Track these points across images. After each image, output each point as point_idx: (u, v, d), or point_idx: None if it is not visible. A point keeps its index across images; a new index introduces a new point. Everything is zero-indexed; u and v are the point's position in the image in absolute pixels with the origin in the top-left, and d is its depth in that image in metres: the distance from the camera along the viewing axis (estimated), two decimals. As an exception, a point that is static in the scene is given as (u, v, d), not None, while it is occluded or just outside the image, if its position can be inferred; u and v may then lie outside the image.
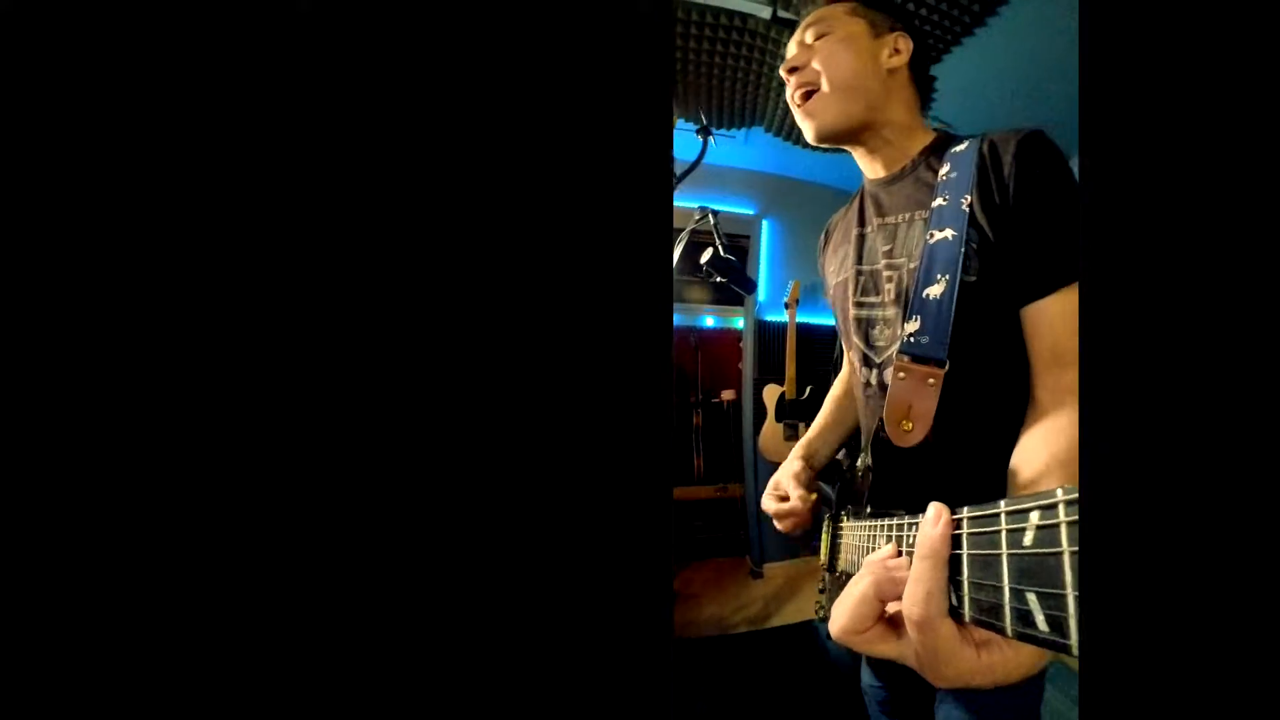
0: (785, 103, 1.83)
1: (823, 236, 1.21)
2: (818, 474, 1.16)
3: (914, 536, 0.44)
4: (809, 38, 0.94)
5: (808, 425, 2.42)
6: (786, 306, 3.50)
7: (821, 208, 2.77)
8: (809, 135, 0.94)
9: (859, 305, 0.96)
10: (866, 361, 0.95)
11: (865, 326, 0.95)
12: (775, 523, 1.08)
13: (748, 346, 3.84)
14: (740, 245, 3.79)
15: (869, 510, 0.78)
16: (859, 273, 0.97)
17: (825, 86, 0.90)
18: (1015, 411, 0.74)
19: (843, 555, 0.87)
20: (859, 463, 0.89)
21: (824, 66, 0.91)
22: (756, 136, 3.00)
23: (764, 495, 1.12)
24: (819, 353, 3.47)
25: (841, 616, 0.49)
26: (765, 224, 3.91)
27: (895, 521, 0.54)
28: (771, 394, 3.45)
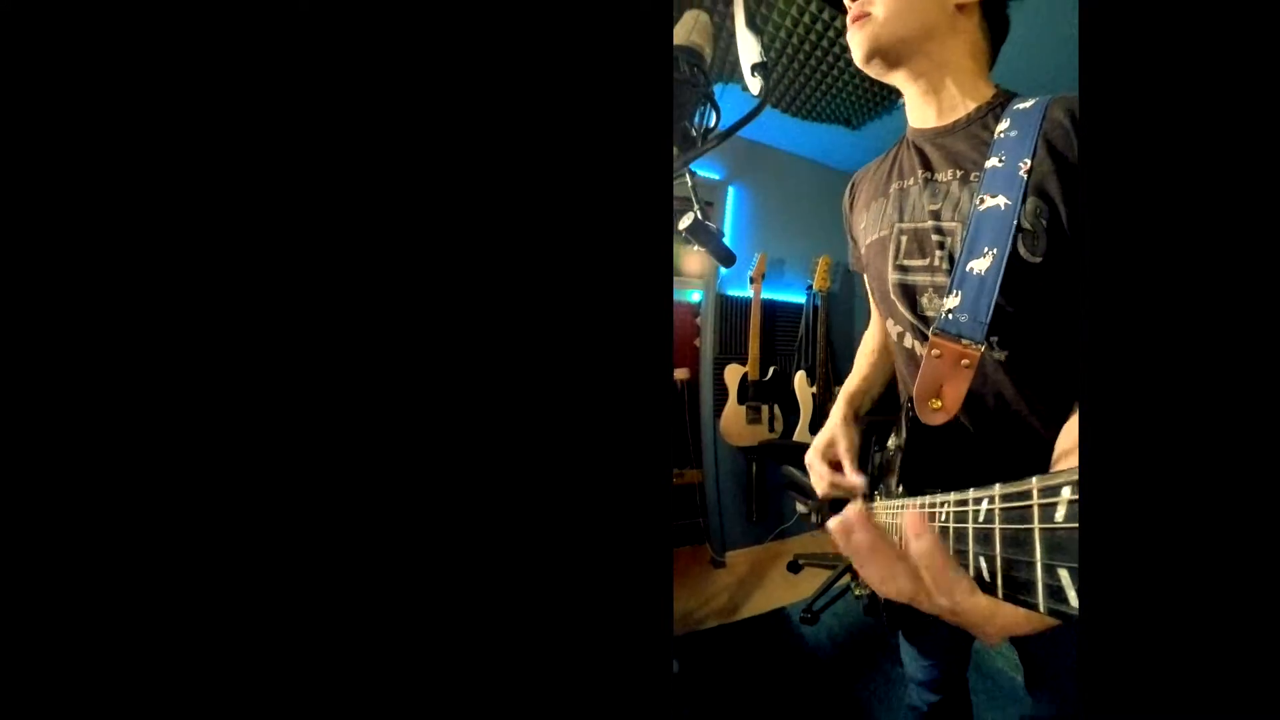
0: (769, 62, 2.31)
1: (848, 192, 1.12)
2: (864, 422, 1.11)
3: (946, 513, 0.46)
4: None
5: (771, 408, 3.78)
6: (751, 281, 3.51)
7: (793, 177, 3.90)
8: (856, 54, 0.87)
9: (901, 269, 0.88)
10: (917, 333, 0.87)
11: (910, 293, 0.87)
12: (814, 482, 1.04)
13: (708, 322, 3.53)
14: (705, 212, 3.54)
15: (900, 489, 0.77)
16: (900, 231, 0.88)
17: (879, 7, 0.83)
18: (1062, 397, 0.73)
19: None
20: (890, 442, 0.89)
21: None
22: (731, 94, 2.91)
23: (811, 451, 1.05)
24: (782, 332, 3.71)
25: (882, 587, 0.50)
26: (732, 190, 3.55)
27: (928, 500, 0.53)
28: (733, 374, 3.49)
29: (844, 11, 0.88)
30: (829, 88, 2.78)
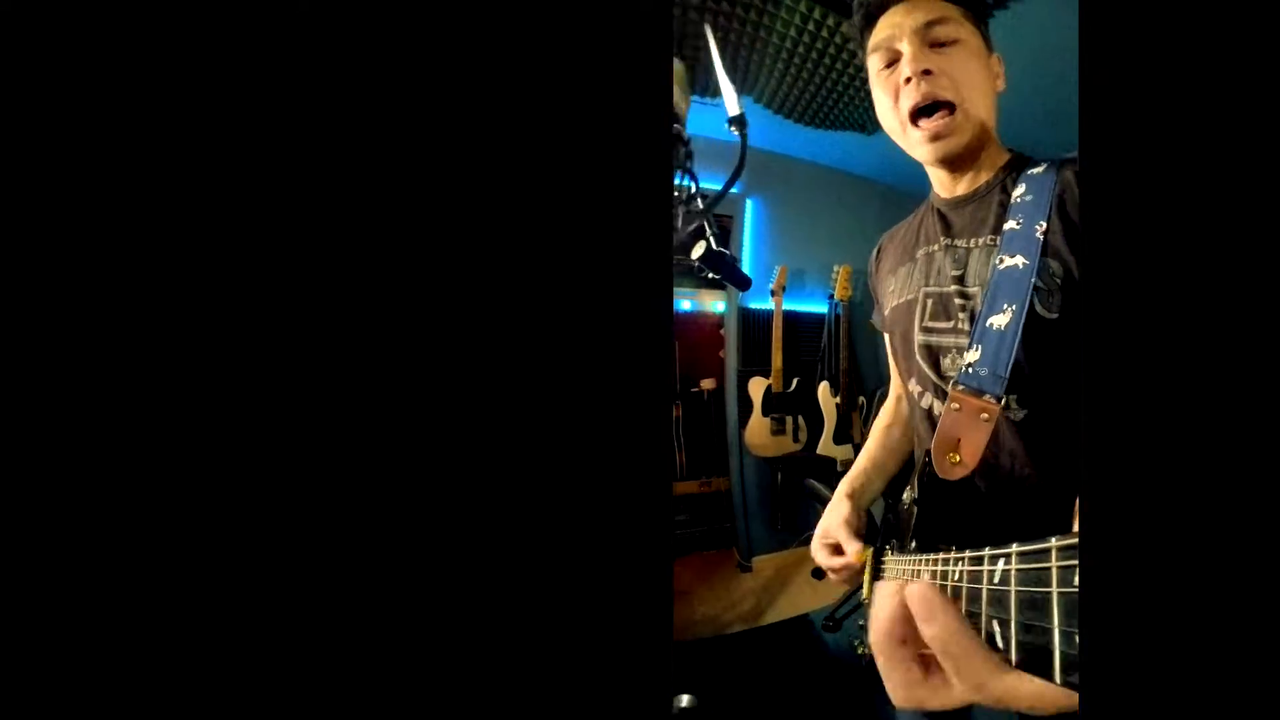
0: (778, 73, 2.61)
1: (874, 254, 1.16)
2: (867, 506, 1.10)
3: (959, 572, 0.44)
4: (934, 38, 0.82)
5: (795, 419, 3.71)
6: (772, 294, 3.52)
7: (812, 188, 3.88)
8: (933, 156, 0.86)
9: (927, 331, 0.90)
10: (938, 393, 0.88)
11: (934, 354, 0.89)
12: (829, 574, 1.04)
13: (730, 335, 3.56)
14: (723, 226, 3.51)
15: (914, 545, 0.77)
16: (926, 295, 0.91)
17: (966, 106, 0.81)
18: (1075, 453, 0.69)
19: None
20: (905, 495, 0.88)
21: (963, 82, 0.81)
22: (744, 107, 3.15)
23: (814, 542, 1.07)
24: (805, 343, 3.71)
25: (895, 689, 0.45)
26: (750, 203, 3.60)
27: (941, 557, 0.51)
28: (757, 386, 3.50)
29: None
30: (840, 95, 2.80)
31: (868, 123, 3.12)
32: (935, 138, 0.84)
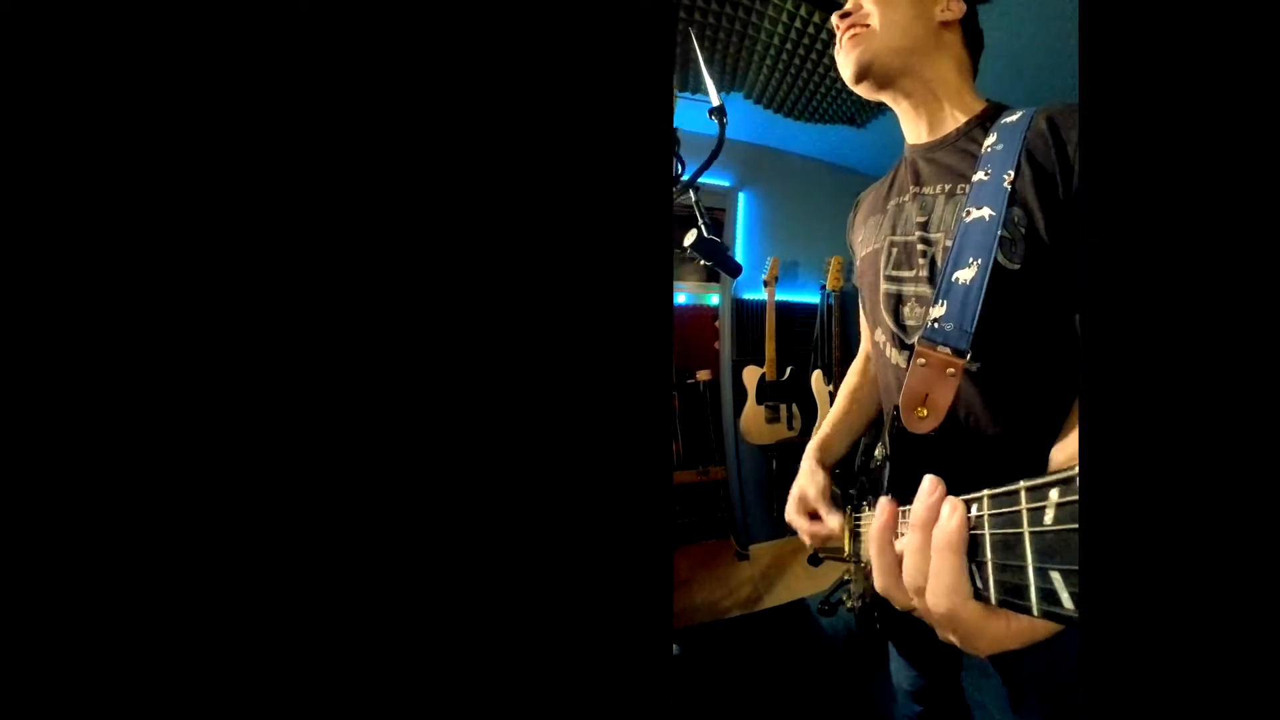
0: (767, 68, 2.67)
1: (854, 209, 1.17)
2: (833, 468, 1.14)
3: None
4: None
5: (789, 407, 3.79)
6: (765, 284, 3.59)
7: (803, 180, 3.91)
8: (848, 73, 0.91)
9: (890, 279, 0.91)
10: (897, 342, 0.90)
11: (895, 303, 0.90)
12: (803, 538, 1.07)
13: (725, 326, 3.62)
14: (716, 219, 3.59)
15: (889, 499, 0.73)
16: (891, 244, 0.92)
17: (875, 24, 0.88)
18: (1045, 407, 0.74)
19: (865, 545, 0.87)
20: (877, 451, 0.91)
21: (876, 5, 0.88)
22: (735, 103, 3.02)
23: (789, 508, 1.10)
24: (798, 332, 3.78)
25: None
26: (742, 196, 3.66)
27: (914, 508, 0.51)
28: (751, 375, 3.57)
29: (837, 8, 0.94)
30: (829, 88, 2.85)
31: (856, 115, 3.18)
32: (849, 51, 0.91)
